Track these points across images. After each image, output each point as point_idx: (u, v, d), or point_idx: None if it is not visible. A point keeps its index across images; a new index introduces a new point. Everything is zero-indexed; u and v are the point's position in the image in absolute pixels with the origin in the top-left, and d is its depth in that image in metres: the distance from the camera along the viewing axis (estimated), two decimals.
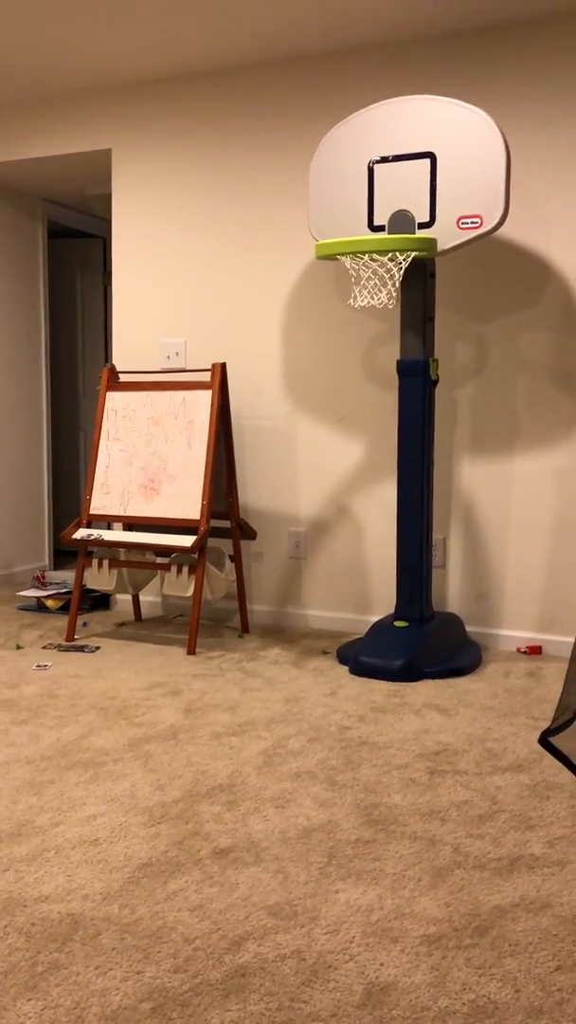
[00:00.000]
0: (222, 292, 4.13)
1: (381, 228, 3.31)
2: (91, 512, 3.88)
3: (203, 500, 3.66)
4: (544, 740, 1.68)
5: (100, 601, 4.45)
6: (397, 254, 3.15)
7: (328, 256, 3.25)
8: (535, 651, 3.65)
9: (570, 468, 3.59)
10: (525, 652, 3.66)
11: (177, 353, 4.22)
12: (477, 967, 1.64)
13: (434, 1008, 1.53)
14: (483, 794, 2.34)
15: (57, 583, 4.67)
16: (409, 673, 3.27)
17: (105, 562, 3.84)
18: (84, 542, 3.81)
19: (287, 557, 4.11)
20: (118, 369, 4.14)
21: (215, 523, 3.85)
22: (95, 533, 3.80)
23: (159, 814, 2.23)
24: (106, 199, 5.09)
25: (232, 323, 4.12)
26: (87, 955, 1.67)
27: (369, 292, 3.25)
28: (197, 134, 4.11)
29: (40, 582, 4.65)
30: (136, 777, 2.44)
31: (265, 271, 4.04)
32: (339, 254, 3.21)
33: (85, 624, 4.10)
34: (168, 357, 4.24)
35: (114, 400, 3.95)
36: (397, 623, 3.50)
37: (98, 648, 3.73)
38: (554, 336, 3.57)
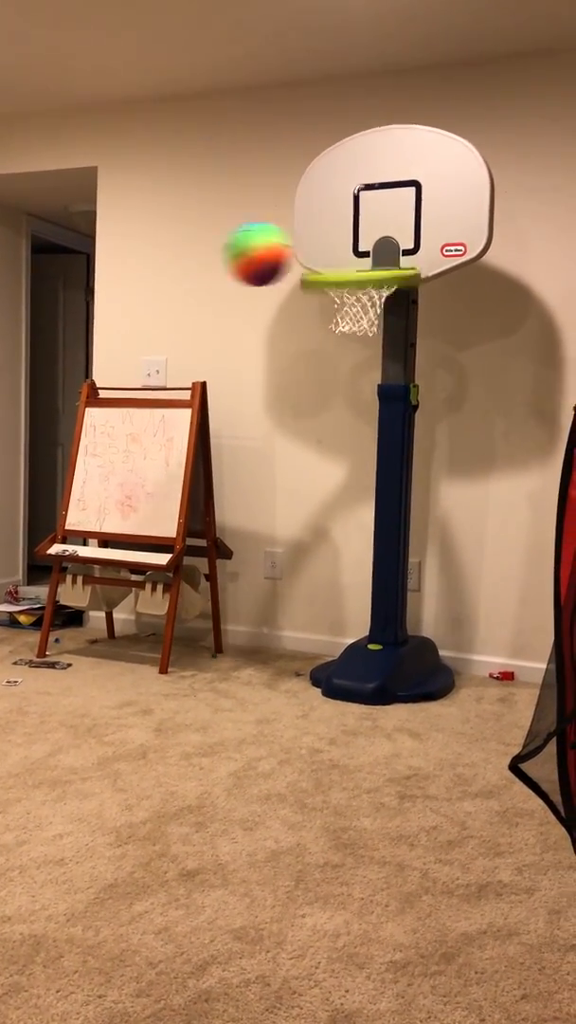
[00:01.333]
0: (204, 311, 4.14)
1: (366, 254, 3.34)
2: (66, 528, 3.86)
3: (180, 518, 3.65)
4: (514, 766, 1.68)
5: (73, 617, 4.41)
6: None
7: (314, 289, 3.28)
8: (507, 677, 3.66)
9: (543, 494, 3.62)
10: (497, 678, 3.67)
11: (158, 371, 4.22)
12: (443, 995, 1.62)
13: None
14: (453, 820, 2.34)
15: (30, 598, 4.63)
16: (381, 696, 3.26)
17: (79, 578, 3.81)
18: (59, 557, 3.79)
19: (263, 578, 4.10)
20: (98, 385, 4.14)
21: (191, 542, 3.84)
22: (70, 549, 3.78)
23: (126, 834, 2.20)
24: (91, 216, 5.10)
25: (213, 342, 4.13)
26: (48, 978, 1.64)
27: (352, 319, 3.27)
28: (183, 155, 4.14)
29: (13, 597, 4.61)
30: (104, 796, 2.41)
31: (248, 292, 4.05)
32: (325, 288, 3.24)
33: (57, 640, 4.07)
34: (148, 375, 4.24)
35: (93, 416, 3.94)
36: (371, 646, 3.50)
37: (69, 665, 3.69)
38: (533, 364, 3.61)
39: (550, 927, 1.84)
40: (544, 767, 2.00)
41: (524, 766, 1.95)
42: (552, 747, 1.78)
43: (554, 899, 1.95)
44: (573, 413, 1.80)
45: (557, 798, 1.73)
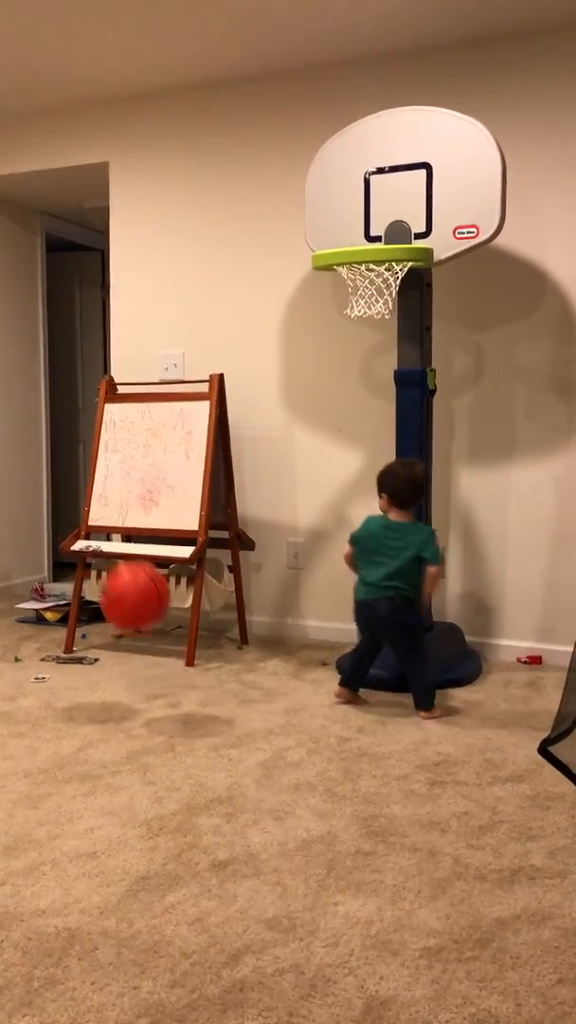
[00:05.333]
0: (220, 303, 4.13)
1: (378, 239, 3.31)
2: (90, 524, 3.87)
3: (201, 511, 3.65)
4: (544, 749, 1.66)
5: (99, 613, 4.42)
6: (393, 264, 3.15)
7: (325, 267, 3.26)
8: (535, 661, 3.63)
9: (569, 476, 3.59)
10: (525, 662, 3.64)
11: (175, 364, 4.22)
12: (478, 980, 1.62)
13: (434, 1022, 1.51)
14: (483, 805, 2.32)
15: (56, 595, 4.66)
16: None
17: (104, 573, 3.82)
18: (83, 553, 3.80)
19: (286, 567, 4.10)
20: (116, 381, 4.14)
21: (213, 534, 3.84)
22: (94, 545, 3.79)
23: (157, 827, 2.21)
24: (104, 212, 5.10)
25: (230, 334, 4.12)
26: (83, 970, 1.65)
27: (366, 302, 3.25)
28: (193, 147, 4.12)
29: (39, 594, 4.63)
30: (134, 790, 2.42)
31: (262, 282, 4.04)
32: (336, 264, 3.21)
33: (84, 636, 4.09)
34: (166, 368, 4.24)
35: (112, 412, 3.95)
36: None
37: (97, 660, 3.71)
38: (552, 344, 3.57)
39: None
40: (574, 749, 1.98)
41: (554, 749, 1.93)
42: None
43: None
44: None
45: None
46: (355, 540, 3.11)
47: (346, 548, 3.16)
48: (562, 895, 1.89)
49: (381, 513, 3.11)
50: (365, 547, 3.08)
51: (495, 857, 2.05)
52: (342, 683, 3.16)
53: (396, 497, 3.06)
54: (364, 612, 3.08)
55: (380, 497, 3.11)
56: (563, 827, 2.19)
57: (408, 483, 3.07)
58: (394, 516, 3.07)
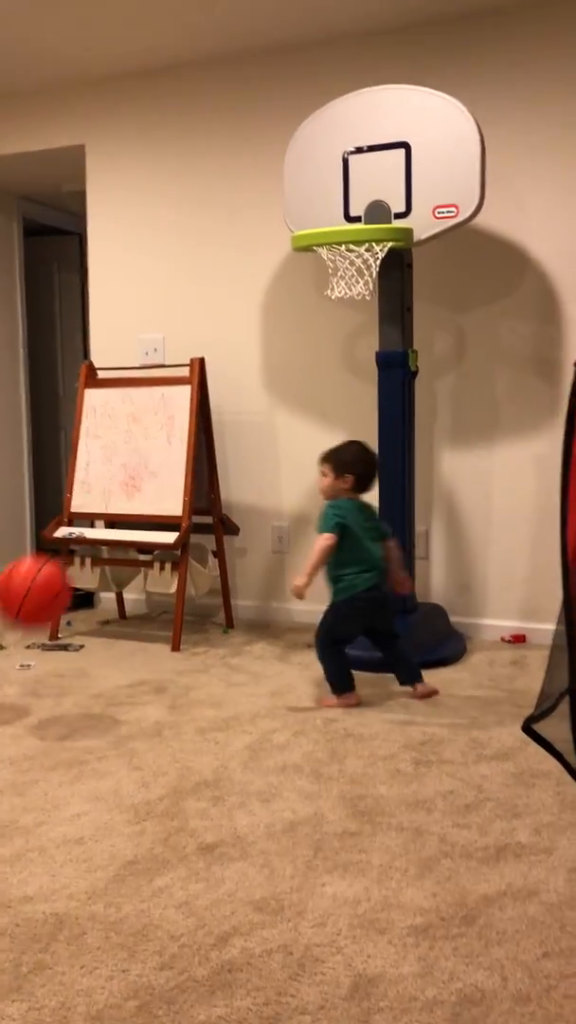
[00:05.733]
0: (199, 287, 4.11)
1: (357, 219, 3.29)
2: (72, 510, 3.85)
3: (184, 496, 3.64)
4: (527, 727, 1.67)
5: (84, 600, 4.42)
6: (373, 244, 3.14)
7: (304, 248, 3.24)
8: (519, 640, 3.65)
9: (551, 456, 3.59)
10: (509, 641, 3.66)
11: (156, 349, 4.20)
12: (464, 956, 1.63)
13: (421, 998, 1.52)
14: (469, 783, 2.34)
15: None
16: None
17: (88, 560, 3.81)
18: (66, 540, 3.79)
19: (271, 552, 4.10)
20: (97, 366, 4.11)
21: (197, 519, 3.83)
22: (77, 531, 3.78)
23: (144, 811, 2.21)
24: (81, 195, 5.05)
25: (210, 317, 4.10)
26: (72, 955, 1.65)
27: (346, 283, 3.23)
28: (171, 128, 4.08)
29: None
30: (121, 775, 2.42)
31: (242, 264, 4.01)
32: (315, 245, 3.20)
33: (69, 623, 4.07)
34: (147, 353, 4.22)
35: (93, 397, 3.93)
36: None
37: (82, 647, 3.70)
38: (533, 325, 3.57)
39: (570, 885, 1.85)
40: (559, 727, 1.99)
41: (538, 727, 1.94)
42: (566, 707, 1.77)
43: (573, 858, 1.95)
44: (574, 369, 1.78)
45: (572, 758, 1.72)
46: (344, 527, 2.90)
47: (329, 538, 2.89)
48: (547, 871, 1.91)
49: (345, 498, 2.96)
50: (356, 532, 2.92)
51: (481, 835, 2.07)
52: (349, 688, 2.96)
53: (363, 480, 2.98)
54: (375, 598, 2.92)
55: (339, 478, 2.94)
56: (548, 804, 2.21)
57: (375, 468, 3.03)
58: (351, 498, 2.99)
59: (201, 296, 4.10)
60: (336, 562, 2.93)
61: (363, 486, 2.99)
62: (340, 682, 2.95)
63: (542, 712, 1.66)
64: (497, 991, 1.53)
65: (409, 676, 3.00)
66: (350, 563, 2.92)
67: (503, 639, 3.68)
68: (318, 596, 4.03)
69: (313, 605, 4.06)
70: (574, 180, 3.46)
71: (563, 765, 1.70)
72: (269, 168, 3.90)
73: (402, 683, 3.01)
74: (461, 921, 1.74)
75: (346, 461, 2.98)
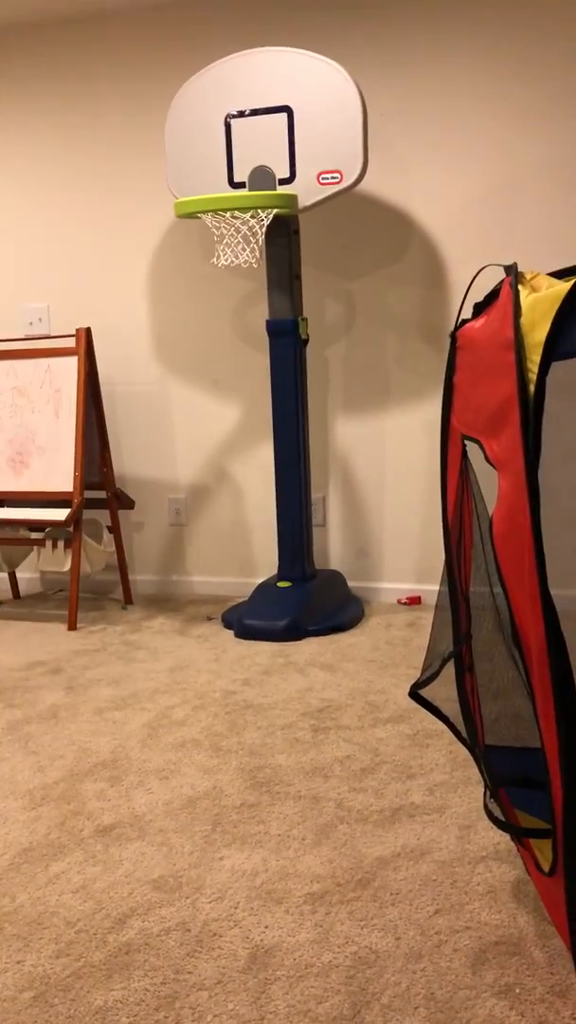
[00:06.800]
0: (84, 253, 3.98)
1: (242, 185, 3.24)
2: None
3: (75, 471, 3.55)
4: (414, 693, 1.71)
5: None
6: (259, 211, 3.09)
7: (188, 215, 3.17)
8: (415, 601, 3.73)
9: (440, 420, 3.65)
10: (405, 603, 3.74)
11: (40, 319, 4.06)
12: (359, 919, 1.67)
13: (317, 964, 1.55)
14: (365, 747, 2.38)
15: None
16: (293, 633, 3.28)
17: None
18: None
19: (168, 524, 4.05)
20: None
21: (90, 494, 3.75)
22: None
23: (40, 796, 2.17)
24: None
25: (96, 285, 3.98)
26: None
27: (232, 251, 3.19)
28: (49, 85, 3.92)
29: None
30: (16, 760, 2.37)
31: (128, 230, 3.91)
32: (199, 212, 3.13)
33: None
34: (31, 323, 4.08)
35: None
36: (280, 584, 3.51)
37: None
38: (420, 291, 3.60)
39: (461, 842, 1.90)
40: (450, 687, 2.04)
41: (428, 690, 1.98)
42: (451, 670, 1.81)
43: (464, 815, 2.01)
44: (449, 341, 1.80)
45: (459, 720, 1.76)
46: None
47: None
48: (440, 829, 1.96)
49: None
50: None
51: (376, 798, 2.11)
52: None
53: None
54: None
55: None
56: (441, 763, 2.27)
57: None
58: None
59: (86, 263, 3.98)
60: None
61: None
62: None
63: (427, 678, 1.69)
64: (391, 951, 1.57)
65: None
66: None
67: (399, 601, 3.75)
68: (213, 567, 4.02)
69: (212, 576, 4.06)
70: (456, 147, 3.48)
71: (450, 728, 1.74)
72: (154, 128, 3.80)
73: None
74: (356, 885, 1.77)
75: None
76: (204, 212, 3.12)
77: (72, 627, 3.54)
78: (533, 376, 1.24)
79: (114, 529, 3.84)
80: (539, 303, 1.26)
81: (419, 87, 3.49)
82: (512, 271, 1.37)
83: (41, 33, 3.88)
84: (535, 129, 3.40)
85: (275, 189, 3.19)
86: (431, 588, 3.72)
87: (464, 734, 1.73)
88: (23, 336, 4.06)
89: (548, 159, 3.40)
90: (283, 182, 3.18)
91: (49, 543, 3.60)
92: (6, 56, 3.95)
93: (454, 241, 3.53)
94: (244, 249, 3.17)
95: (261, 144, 3.19)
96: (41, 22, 3.86)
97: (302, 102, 3.13)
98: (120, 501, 3.84)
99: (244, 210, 3.09)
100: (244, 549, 3.96)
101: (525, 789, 1.68)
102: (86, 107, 3.88)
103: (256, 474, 3.89)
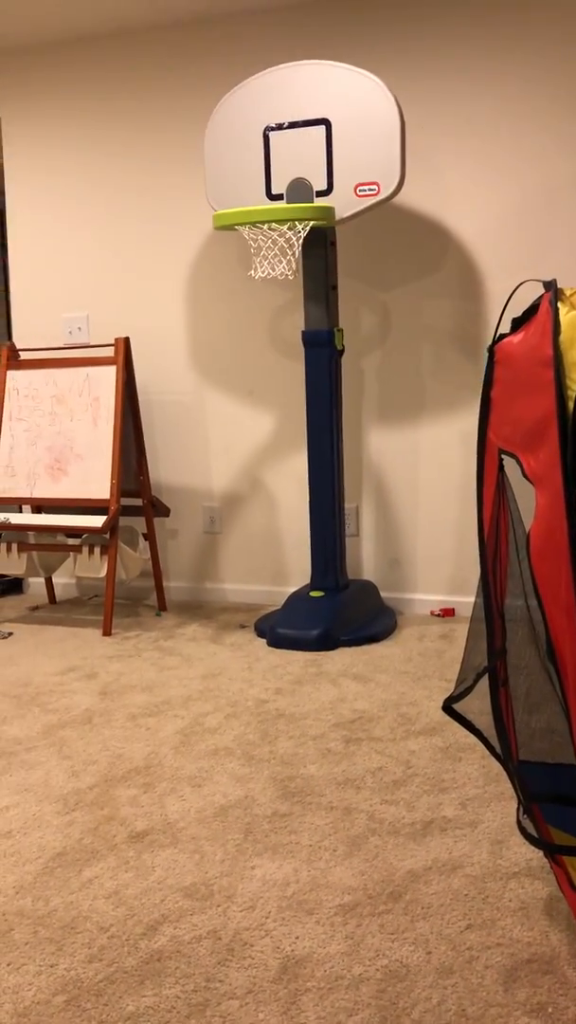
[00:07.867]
0: (123, 264, 4.03)
1: (279, 197, 3.26)
2: None
3: (112, 479, 3.59)
4: (448, 707, 1.70)
5: (12, 585, 4.35)
6: (296, 223, 3.12)
7: (226, 227, 3.20)
8: (448, 613, 3.71)
9: (475, 432, 3.64)
10: (439, 615, 3.72)
11: (80, 328, 4.12)
12: (390, 933, 1.67)
13: (348, 976, 1.55)
14: (397, 760, 2.38)
15: None
16: (325, 642, 3.29)
17: (15, 546, 3.75)
18: None
19: (202, 532, 4.08)
20: (18, 347, 4.02)
21: (127, 501, 3.79)
22: (2, 517, 3.70)
23: (74, 801, 2.20)
24: None
25: (135, 295, 4.03)
26: None
27: (269, 263, 3.21)
28: (92, 100, 3.98)
29: None
30: (50, 765, 2.40)
31: (166, 241, 3.95)
32: (237, 224, 3.16)
33: None
34: (70, 332, 4.14)
35: (15, 379, 3.84)
36: (313, 593, 3.52)
37: (11, 634, 3.65)
38: (455, 302, 3.60)
39: (493, 857, 1.90)
40: (484, 700, 2.03)
41: (461, 703, 1.97)
42: (485, 684, 1.81)
43: (496, 830, 2.00)
44: (486, 355, 1.80)
45: (492, 733, 1.76)
46: None
47: None
48: (472, 844, 1.95)
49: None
50: None
51: (408, 811, 2.11)
52: None
53: None
54: None
55: None
56: (474, 777, 2.26)
57: None
58: None
59: (125, 273, 4.03)
60: None
61: None
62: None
63: (460, 693, 1.69)
64: (421, 965, 1.57)
65: None
66: None
67: (433, 613, 3.74)
68: (246, 575, 4.04)
69: (244, 585, 4.07)
70: (493, 158, 3.48)
71: (483, 743, 1.73)
72: (194, 142, 3.84)
73: None
74: (388, 897, 1.77)
75: None
76: (242, 224, 3.14)
77: (107, 633, 3.58)
78: (572, 393, 1.24)
79: (149, 536, 3.87)
80: None
81: (455, 97, 3.49)
82: (552, 287, 1.37)
83: (84, 51, 3.95)
84: (572, 140, 3.39)
85: (312, 201, 3.21)
86: (465, 600, 3.71)
87: (497, 749, 1.72)
88: (63, 345, 4.12)
89: None
90: (320, 194, 3.20)
91: (85, 549, 3.64)
92: (50, 74, 4.02)
93: (489, 253, 3.53)
94: (281, 261, 3.19)
95: (299, 156, 3.21)
96: (85, 40, 3.92)
97: (340, 115, 3.15)
98: (156, 508, 3.88)
99: (281, 222, 3.11)
100: (277, 558, 3.98)
101: (559, 805, 1.67)
102: (127, 122, 3.94)
103: (290, 483, 3.91)
